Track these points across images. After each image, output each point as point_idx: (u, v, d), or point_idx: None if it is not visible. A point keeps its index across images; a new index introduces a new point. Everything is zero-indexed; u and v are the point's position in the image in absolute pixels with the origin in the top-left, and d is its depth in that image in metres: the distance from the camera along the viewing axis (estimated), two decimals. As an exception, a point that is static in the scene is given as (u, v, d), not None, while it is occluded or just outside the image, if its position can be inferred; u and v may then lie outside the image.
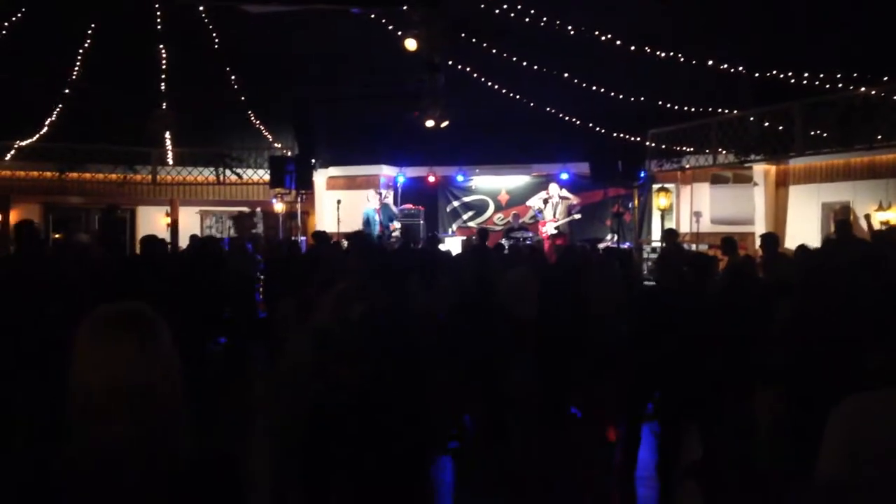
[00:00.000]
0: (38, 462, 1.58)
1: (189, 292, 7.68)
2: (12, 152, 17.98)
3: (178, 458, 1.59)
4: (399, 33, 13.31)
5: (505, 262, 9.52)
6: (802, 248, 8.48)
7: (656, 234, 17.18)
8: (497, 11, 14.00)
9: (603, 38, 14.52)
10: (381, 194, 17.50)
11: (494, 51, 15.96)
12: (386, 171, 19.86)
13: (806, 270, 4.99)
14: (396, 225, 16.94)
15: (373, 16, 14.92)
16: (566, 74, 16.00)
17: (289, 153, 19.14)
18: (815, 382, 4.02)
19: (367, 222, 16.34)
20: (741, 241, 10.50)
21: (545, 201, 16.69)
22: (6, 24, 16.90)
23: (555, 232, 15.97)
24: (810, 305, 4.47)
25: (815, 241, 13.33)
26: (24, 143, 18.01)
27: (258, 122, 19.48)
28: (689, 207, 16.90)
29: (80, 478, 1.53)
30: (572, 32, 14.49)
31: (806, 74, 13.81)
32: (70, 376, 1.59)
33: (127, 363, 1.57)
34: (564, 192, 16.72)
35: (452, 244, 16.41)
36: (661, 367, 5.37)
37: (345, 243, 12.29)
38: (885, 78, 12.45)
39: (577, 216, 16.70)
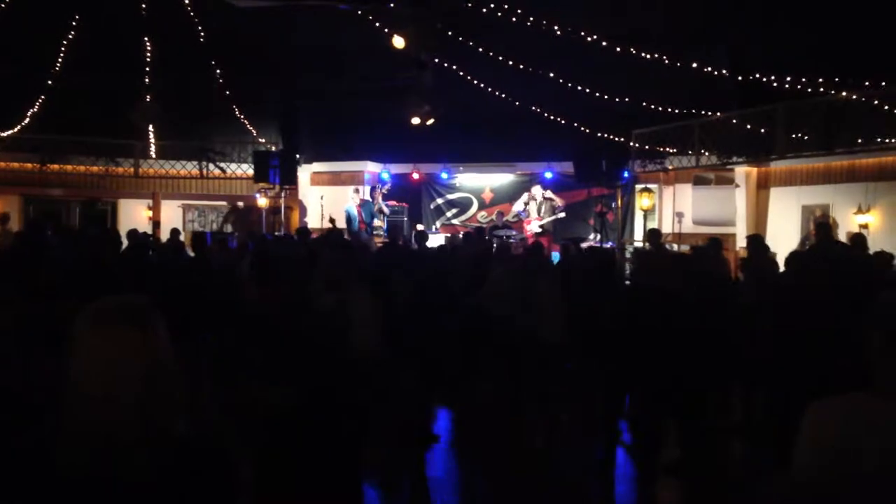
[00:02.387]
0: (36, 450, 1.60)
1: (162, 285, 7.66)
2: (-7, 143, 17.82)
3: (173, 442, 1.63)
4: (387, 31, 13.33)
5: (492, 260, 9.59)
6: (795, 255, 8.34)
7: (639, 234, 17.27)
8: (484, 10, 14.01)
9: (589, 38, 14.57)
10: (374, 187, 17.43)
11: (481, 49, 15.98)
12: (370, 168, 19.84)
13: (793, 271, 5.03)
14: (378, 222, 16.93)
15: (360, 12, 14.90)
16: (552, 74, 16.04)
17: (273, 148, 19.10)
18: (796, 381, 4.08)
19: (349, 219, 16.31)
20: (723, 242, 10.58)
21: (526, 203, 16.74)
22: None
23: (539, 230, 16.04)
24: (794, 306, 4.54)
25: (794, 243, 13.50)
26: (4, 134, 17.82)
27: (242, 116, 19.38)
28: (672, 208, 17.02)
29: (77, 464, 1.56)
30: (558, 32, 14.53)
31: (789, 78, 13.92)
32: (69, 366, 1.61)
33: (126, 354, 1.60)
34: (549, 194, 16.76)
35: (436, 242, 16.41)
36: (641, 364, 5.41)
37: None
38: (867, 82, 12.58)
39: (562, 215, 16.77)
